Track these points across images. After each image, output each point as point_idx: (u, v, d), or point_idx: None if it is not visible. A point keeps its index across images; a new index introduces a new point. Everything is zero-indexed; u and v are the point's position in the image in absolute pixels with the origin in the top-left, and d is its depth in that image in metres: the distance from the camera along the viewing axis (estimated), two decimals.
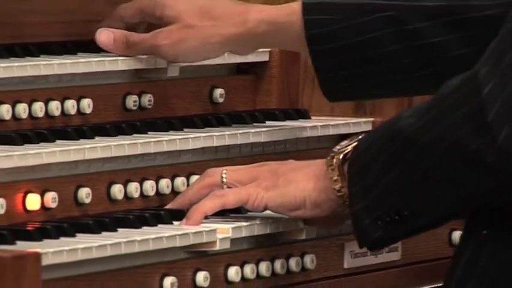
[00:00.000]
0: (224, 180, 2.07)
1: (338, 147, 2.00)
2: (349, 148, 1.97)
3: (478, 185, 1.87)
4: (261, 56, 2.49)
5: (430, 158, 1.87)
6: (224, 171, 2.08)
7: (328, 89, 2.25)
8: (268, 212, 2.15)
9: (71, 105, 2.20)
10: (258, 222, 2.12)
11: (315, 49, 2.20)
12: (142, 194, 2.17)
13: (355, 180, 1.95)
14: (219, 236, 2.05)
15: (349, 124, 2.37)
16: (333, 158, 1.98)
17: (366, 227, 1.94)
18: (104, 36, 2.23)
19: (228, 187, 2.09)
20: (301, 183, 2.03)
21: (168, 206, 2.14)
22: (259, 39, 2.27)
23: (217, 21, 2.22)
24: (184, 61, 2.26)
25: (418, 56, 2.18)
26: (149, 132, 2.23)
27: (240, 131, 2.33)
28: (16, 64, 2.15)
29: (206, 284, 2.03)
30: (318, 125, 2.40)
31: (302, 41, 2.20)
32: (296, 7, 2.22)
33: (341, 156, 1.97)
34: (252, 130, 2.35)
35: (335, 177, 1.97)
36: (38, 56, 2.23)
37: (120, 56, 2.27)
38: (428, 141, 1.86)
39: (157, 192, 2.20)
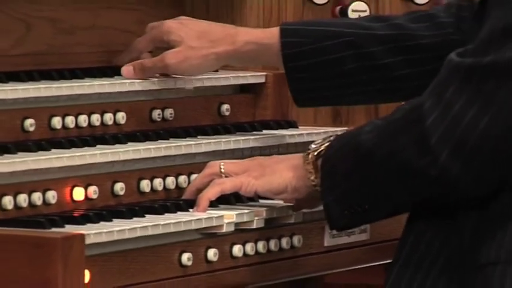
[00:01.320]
0: (222, 170, 2.09)
1: (313, 145, 2.02)
2: (322, 148, 1.97)
3: (422, 193, 1.88)
4: (258, 78, 2.50)
5: (385, 167, 1.88)
6: (222, 164, 2.10)
7: (297, 97, 2.27)
8: (264, 201, 2.15)
9: (108, 118, 2.21)
10: (256, 210, 2.12)
11: (289, 66, 2.22)
12: (165, 188, 2.18)
13: (326, 178, 1.96)
14: (226, 220, 2.07)
15: (329, 132, 2.36)
16: (308, 154, 2.00)
17: (335, 216, 1.96)
18: (126, 71, 2.26)
19: (226, 176, 2.09)
20: (284, 173, 2.04)
21: (183, 196, 2.15)
22: (246, 57, 2.29)
23: (212, 43, 2.23)
24: (189, 75, 2.28)
25: (372, 73, 2.20)
26: (170, 139, 2.24)
27: (242, 138, 2.35)
28: (65, 85, 2.17)
29: (215, 258, 2.04)
30: (304, 133, 2.41)
31: (279, 59, 2.21)
32: (276, 31, 2.24)
33: (315, 154, 1.99)
34: (252, 137, 2.37)
35: (310, 170, 1.98)
36: (83, 78, 2.24)
37: (146, 79, 2.27)
38: (384, 155, 1.87)
39: (177, 186, 2.21)
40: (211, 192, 2.06)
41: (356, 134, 1.95)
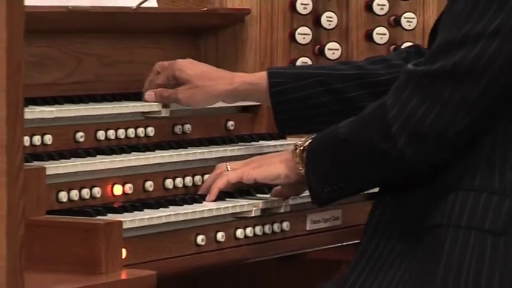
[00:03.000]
0: (228, 169, 2.07)
1: (299, 142, 2.03)
2: (306, 144, 1.98)
3: (386, 171, 1.89)
4: None
5: (356, 152, 1.90)
6: (228, 164, 2.10)
7: (280, 125, 2.27)
8: (261, 195, 2.15)
9: (141, 131, 2.23)
10: (254, 202, 2.11)
11: (274, 101, 2.22)
12: (184, 185, 2.19)
13: (309, 164, 1.97)
14: (231, 210, 2.08)
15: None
16: (296, 149, 2.01)
17: (317, 193, 1.97)
18: (148, 95, 2.26)
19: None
20: (277, 164, 2.05)
21: (199, 192, 2.15)
22: (242, 95, 2.29)
23: (214, 82, 2.23)
24: (194, 107, 2.29)
25: (342, 105, 2.21)
26: (188, 147, 2.25)
27: (244, 147, 2.36)
28: (108, 106, 2.20)
29: (223, 239, 2.05)
30: (290, 143, 2.39)
31: (267, 95, 2.22)
32: (264, 74, 2.24)
33: (301, 148, 2.00)
34: (251, 146, 2.39)
35: (297, 161, 2.00)
36: (121, 101, 2.28)
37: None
38: (356, 142, 1.89)
39: (193, 184, 2.21)
40: (220, 182, 2.08)
41: (333, 129, 1.97)
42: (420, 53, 2.16)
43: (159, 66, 2.29)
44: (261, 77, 2.24)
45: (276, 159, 2.08)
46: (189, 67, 2.25)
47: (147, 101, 2.26)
